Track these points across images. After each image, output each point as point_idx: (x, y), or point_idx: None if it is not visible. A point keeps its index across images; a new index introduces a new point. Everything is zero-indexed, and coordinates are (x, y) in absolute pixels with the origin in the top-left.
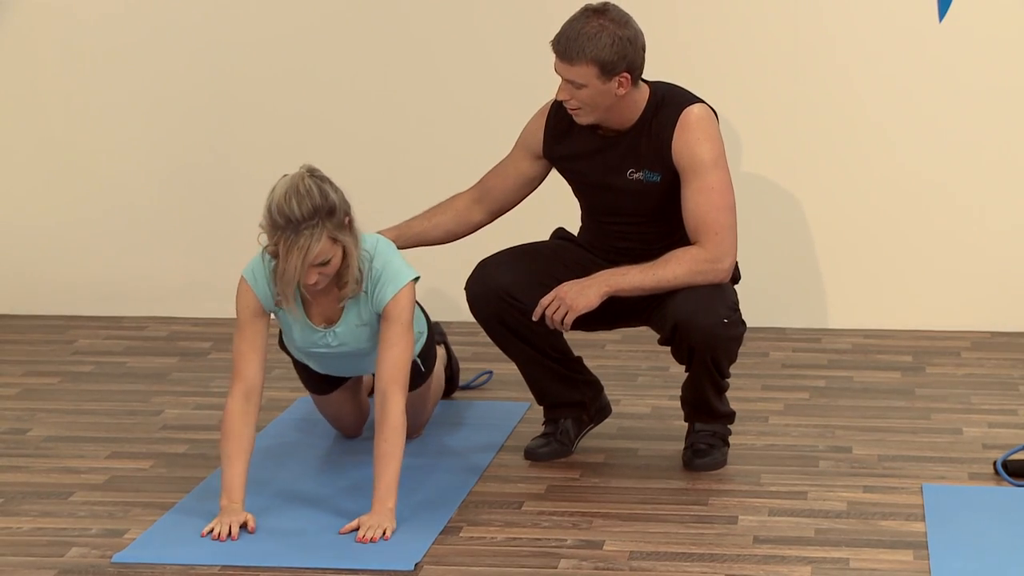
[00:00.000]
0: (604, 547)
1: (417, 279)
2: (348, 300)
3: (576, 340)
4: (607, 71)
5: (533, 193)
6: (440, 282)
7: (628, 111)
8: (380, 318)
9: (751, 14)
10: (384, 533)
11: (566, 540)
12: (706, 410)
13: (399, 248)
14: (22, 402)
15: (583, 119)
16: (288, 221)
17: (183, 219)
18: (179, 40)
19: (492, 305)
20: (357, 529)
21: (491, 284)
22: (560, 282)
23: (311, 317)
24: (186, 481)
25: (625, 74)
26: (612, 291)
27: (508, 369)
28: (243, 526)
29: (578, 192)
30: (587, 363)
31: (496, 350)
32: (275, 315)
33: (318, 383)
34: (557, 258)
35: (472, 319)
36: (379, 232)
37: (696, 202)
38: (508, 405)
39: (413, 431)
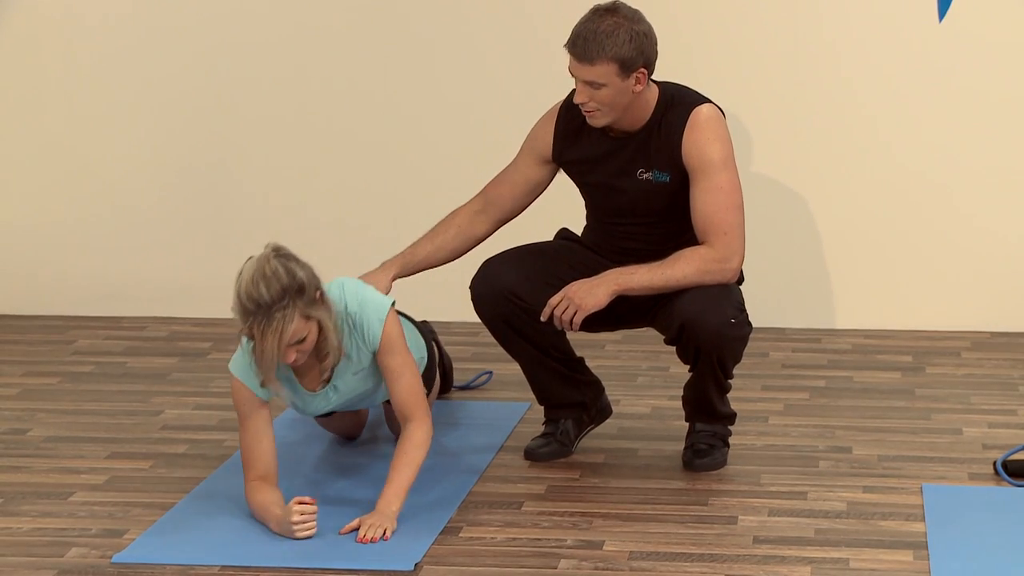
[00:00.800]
0: (604, 547)
1: (393, 303)
2: (335, 360)
3: (577, 340)
4: (626, 68)
5: None
6: (443, 281)
7: (640, 111)
8: (376, 354)
9: (755, 17)
10: (384, 533)
11: (566, 540)
12: (708, 410)
13: (407, 275)
14: (22, 402)
15: (600, 121)
16: (258, 306)
17: (183, 219)
18: (180, 41)
19: (497, 305)
20: (358, 529)
21: (496, 284)
22: (565, 282)
23: (305, 384)
24: (186, 481)
25: (642, 70)
26: (621, 290)
27: (508, 369)
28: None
29: (586, 194)
30: (587, 363)
31: (496, 350)
32: (276, 395)
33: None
34: (562, 258)
35: (473, 319)
36: (384, 263)
37: (705, 202)
38: (508, 405)
39: None
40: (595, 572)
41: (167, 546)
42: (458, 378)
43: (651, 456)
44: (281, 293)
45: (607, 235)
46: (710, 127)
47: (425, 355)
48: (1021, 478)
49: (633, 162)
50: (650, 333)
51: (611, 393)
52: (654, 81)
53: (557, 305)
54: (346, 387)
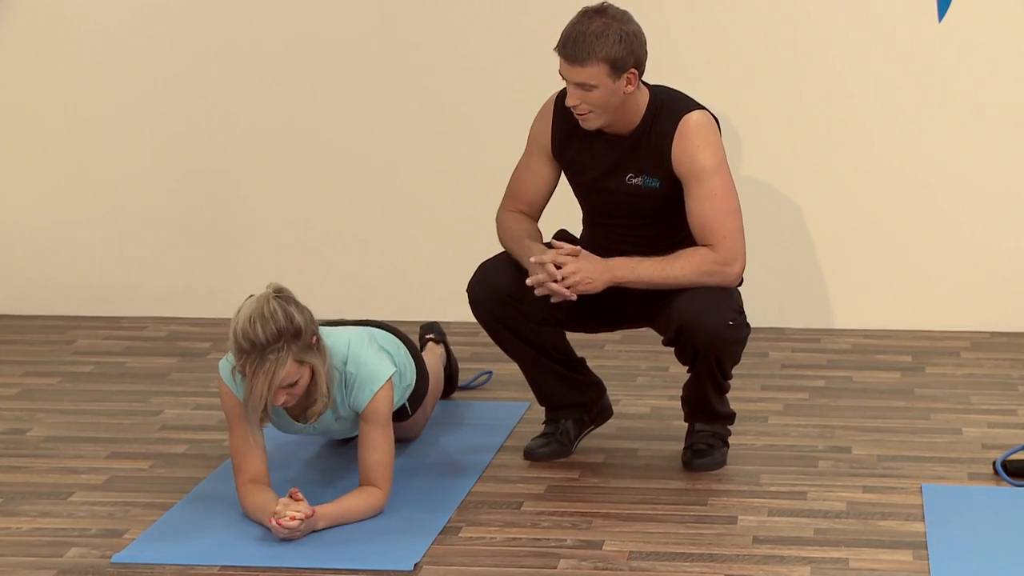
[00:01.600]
0: (604, 547)
1: (392, 374)
2: (321, 408)
3: (577, 340)
4: (617, 68)
5: None
6: (441, 281)
7: (632, 113)
8: (359, 416)
9: (749, 18)
10: (300, 524)
11: (566, 540)
12: (707, 411)
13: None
14: (22, 402)
15: (592, 123)
16: (253, 345)
17: (183, 220)
18: (181, 43)
19: (494, 307)
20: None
21: (493, 286)
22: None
23: (289, 413)
24: (185, 481)
25: (633, 70)
26: (619, 282)
27: (508, 369)
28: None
29: (578, 193)
30: (587, 363)
31: (496, 350)
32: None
33: None
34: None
35: (472, 319)
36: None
37: (701, 209)
38: (508, 405)
39: (413, 433)
40: (595, 572)
41: (167, 546)
42: (459, 378)
43: (651, 456)
44: (277, 335)
45: (601, 236)
46: (700, 134)
47: (413, 383)
48: (1021, 478)
49: (622, 166)
50: (650, 333)
51: (611, 393)
52: (645, 84)
53: (556, 279)
54: (326, 428)
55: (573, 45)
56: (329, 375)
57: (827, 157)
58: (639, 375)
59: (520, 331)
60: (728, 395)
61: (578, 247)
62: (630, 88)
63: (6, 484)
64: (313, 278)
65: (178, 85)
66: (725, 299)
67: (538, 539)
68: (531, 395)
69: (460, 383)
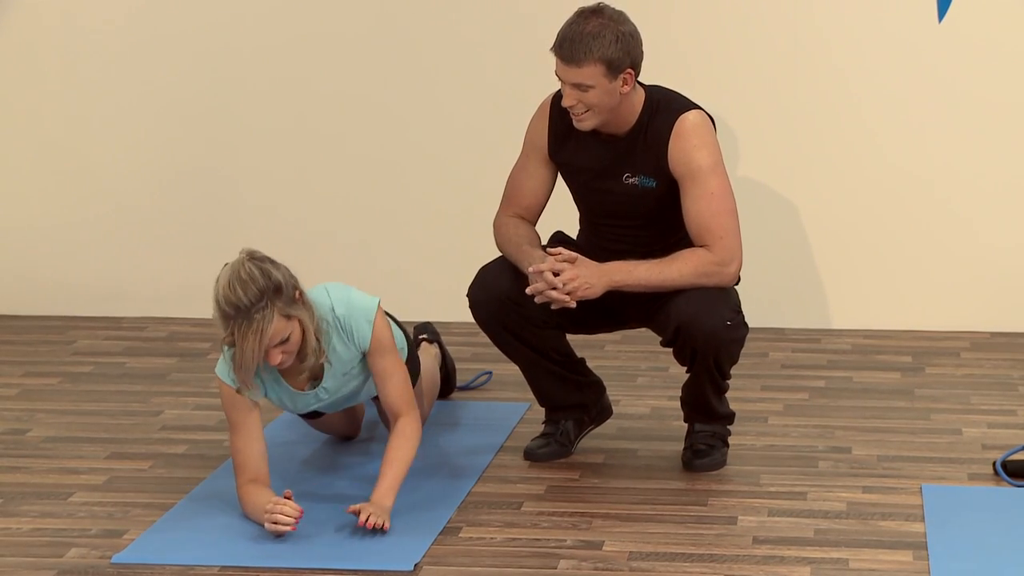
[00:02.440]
0: (603, 547)
1: (379, 302)
2: (314, 362)
3: (577, 341)
4: (613, 69)
5: None
6: (441, 283)
7: (628, 113)
8: (366, 354)
9: (749, 18)
10: (383, 524)
11: (566, 540)
12: (706, 411)
13: None
14: (22, 403)
15: (588, 124)
16: (237, 309)
17: (182, 220)
18: (180, 43)
19: (494, 310)
20: (358, 513)
21: (492, 289)
22: None
23: (293, 384)
24: (185, 482)
25: (629, 71)
26: (617, 286)
27: (508, 369)
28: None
29: (575, 194)
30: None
31: (496, 351)
32: (265, 396)
33: (306, 414)
34: None
35: (472, 320)
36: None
37: (698, 209)
38: (508, 405)
39: None
40: (595, 572)
41: (167, 546)
42: (458, 378)
43: (651, 456)
44: (259, 295)
45: (597, 236)
46: (696, 134)
47: (404, 347)
48: (1020, 478)
49: (619, 166)
50: (649, 333)
51: (611, 393)
52: (640, 84)
53: (555, 287)
54: (336, 386)
55: (569, 45)
56: (319, 328)
57: (826, 157)
58: (639, 375)
59: (521, 334)
60: (728, 395)
61: (575, 253)
62: (626, 88)
63: (6, 484)
64: (313, 278)
65: (178, 85)
66: (723, 299)
67: (538, 539)
68: (531, 395)
69: (460, 383)
